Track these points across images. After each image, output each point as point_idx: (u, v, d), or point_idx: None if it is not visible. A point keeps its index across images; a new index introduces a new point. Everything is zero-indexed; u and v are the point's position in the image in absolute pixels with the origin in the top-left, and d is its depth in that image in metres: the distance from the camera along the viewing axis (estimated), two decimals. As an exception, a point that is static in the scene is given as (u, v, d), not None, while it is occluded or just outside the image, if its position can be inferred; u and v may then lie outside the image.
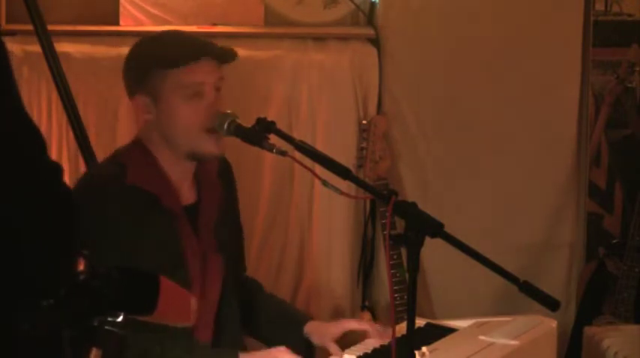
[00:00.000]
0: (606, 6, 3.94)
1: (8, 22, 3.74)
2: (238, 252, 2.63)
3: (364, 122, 3.73)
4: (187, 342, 2.29)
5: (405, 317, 1.93)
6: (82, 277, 1.43)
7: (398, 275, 3.36)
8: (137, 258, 2.25)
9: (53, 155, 3.42)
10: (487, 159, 3.92)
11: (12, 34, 3.68)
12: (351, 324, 2.48)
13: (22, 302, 1.38)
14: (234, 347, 2.41)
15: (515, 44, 3.88)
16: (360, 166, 3.70)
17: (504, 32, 3.87)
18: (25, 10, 2.64)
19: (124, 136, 3.35)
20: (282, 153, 2.19)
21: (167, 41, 2.45)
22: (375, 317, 3.71)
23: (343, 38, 3.85)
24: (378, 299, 3.87)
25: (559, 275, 3.95)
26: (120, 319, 1.45)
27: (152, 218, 2.33)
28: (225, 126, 2.31)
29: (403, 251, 3.25)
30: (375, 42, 3.83)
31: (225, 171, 2.56)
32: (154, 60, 2.36)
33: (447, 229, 1.96)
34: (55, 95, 3.35)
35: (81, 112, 2.75)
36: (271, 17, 3.86)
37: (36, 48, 2.75)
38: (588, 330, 3.41)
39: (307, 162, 2.20)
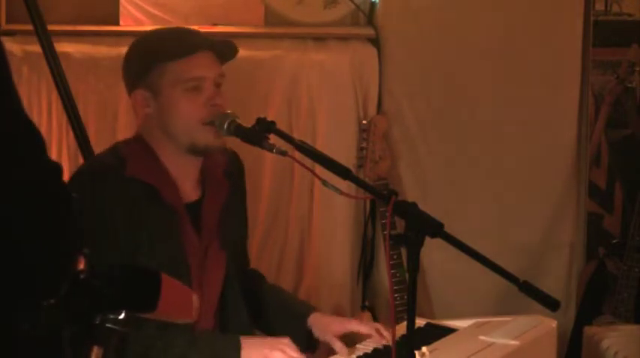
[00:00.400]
0: (606, 6, 3.94)
1: (8, 22, 3.74)
2: (243, 249, 2.63)
3: (364, 122, 3.73)
4: (189, 336, 2.29)
5: (405, 317, 1.92)
6: (82, 276, 1.43)
7: (398, 275, 3.36)
8: (136, 249, 2.25)
9: (53, 155, 3.42)
10: (487, 159, 3.91)
11: (12, 34, 3.68)
12: (354, 326, 2.47)
13: (22, 302, 1.38)
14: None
15: (515, 44, 3.88)
16: (360, 166, 3.70)
17: (504, 32, 3.87)
18: (25, 10, 2.65)
19: (123, 136, 3.32)
20: (282, 153, 2.19)
21: (165, 35, 2.47)
22: (375, 317, 3.70)
23: (343, 38, 3.85)
24: (378, 299, 3.86)
25: (559, 276, 3.95)
26: (121, 317, 1.45)
27: (152, 210, 2.32)
28: (226, 126, 2.31)
29: (403, 251, 3.25)
30: (375, 42, 3.83)
31: (233, 169, 2.56)
32: (152, 54, 2.36)
33: (447, 229, 1.96)
34: (55, 95, 3.35)
35: (81, 112, 2.78)
36: (271, 17, 3.86)
37: (36, 48, 2.77)
38: (588, 330, 3.42)
39: (307, 162, 2.19)
